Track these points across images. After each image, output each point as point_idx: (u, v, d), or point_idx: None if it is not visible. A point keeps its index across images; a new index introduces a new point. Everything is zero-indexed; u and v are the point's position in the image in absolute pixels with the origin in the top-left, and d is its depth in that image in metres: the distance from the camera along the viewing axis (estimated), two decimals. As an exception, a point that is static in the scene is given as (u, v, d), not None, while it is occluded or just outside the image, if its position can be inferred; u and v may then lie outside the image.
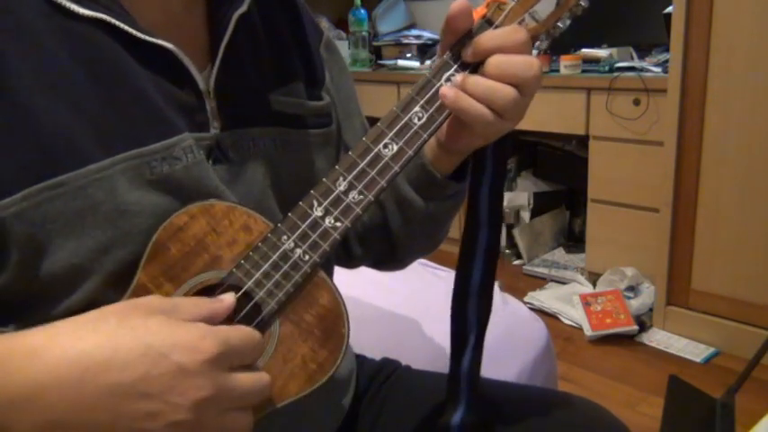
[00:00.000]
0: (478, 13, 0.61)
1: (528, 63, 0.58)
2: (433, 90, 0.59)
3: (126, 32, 0.57)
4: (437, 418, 0.78)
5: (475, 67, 0.60)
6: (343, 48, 3.20)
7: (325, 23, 3.29)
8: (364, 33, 3.14)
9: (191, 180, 0.58)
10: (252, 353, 0.53)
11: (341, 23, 3.40)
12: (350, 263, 0.85)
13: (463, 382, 0.73)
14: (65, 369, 0.45)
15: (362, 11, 3.13)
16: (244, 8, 0.65)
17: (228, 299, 0.55)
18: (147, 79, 0.58)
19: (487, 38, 0.58)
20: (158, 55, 0.59)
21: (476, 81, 0.58)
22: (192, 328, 0.49)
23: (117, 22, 0.56)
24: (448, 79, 0.59)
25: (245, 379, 0.50)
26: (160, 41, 0.58)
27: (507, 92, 0.58)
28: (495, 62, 0.58)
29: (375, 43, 3.24)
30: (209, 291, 0.58)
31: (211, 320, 0.52)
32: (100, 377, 0.45)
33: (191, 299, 0.55)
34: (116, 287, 0.56)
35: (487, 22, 0.60)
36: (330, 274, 0.77)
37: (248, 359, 0.52)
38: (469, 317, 0.72)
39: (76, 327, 0.48)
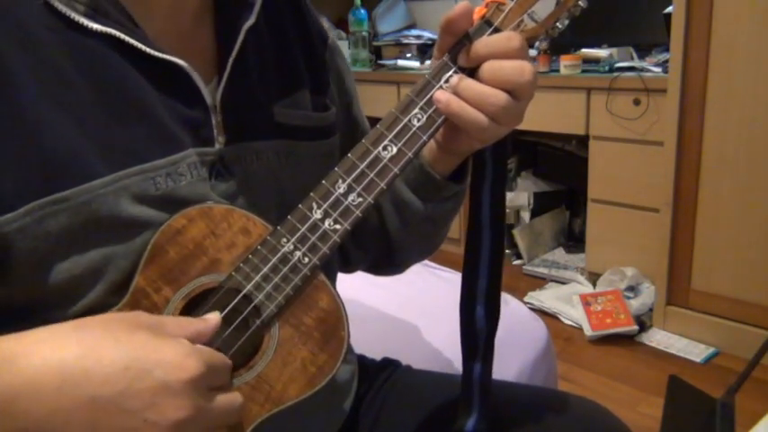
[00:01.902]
0: (478, 13, 0.60)
1: (521, 68, 0.58)
2: (432, 92, 0.59)
3: (135, 48, 0.56)
4: (438, 418, 0.78)
5: (474, 69, 0.59)
6: (344, 48, 3.20)
7: (325, 23, 3.28)
8: (364, 33, 3.14)
9: (194, 195, 0.58)
10: (226, 376, 0.53)
11: (341, 23, 3.39)
12: (347, 267, 0.84)
13: (476, 388, 0.73)
14: (43, 377, 0.44)
15: (362, 11, 3.13)
16: (252, 20, 0.64)
17: (213, 318, 0.55)
18: (154, 95, 0.58)
19: (482, 44, 0.58)
20: (167, 70, 0.58)
21: (468, 85, 0.58)
22: (177, 346, 0.48)
23: (127, 38, 0.56)
24: (447, 81, 0.59)
25: (222, 400, 0.51)
26: (170, 57, 0.58)
27: (500, 97, 0.58)
28: (488, 68, 0.58)
29: (375, 43, 3.24)
30: (208, 294, 0.57)
31: (196, 341, 0.52)
32: (79, 388, 0.45)
33: (176, 318, 0.55)
34: (119, 293, 0.56)
35: (487, 23, 0.60)
36: (333, 279, 0.77)
37: (223, 381, 0.52)
38: (478, 322, 0.72)
39: (59, 335, 0.47)
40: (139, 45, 0.56)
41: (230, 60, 0.62)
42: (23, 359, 0.45)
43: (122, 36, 0.56)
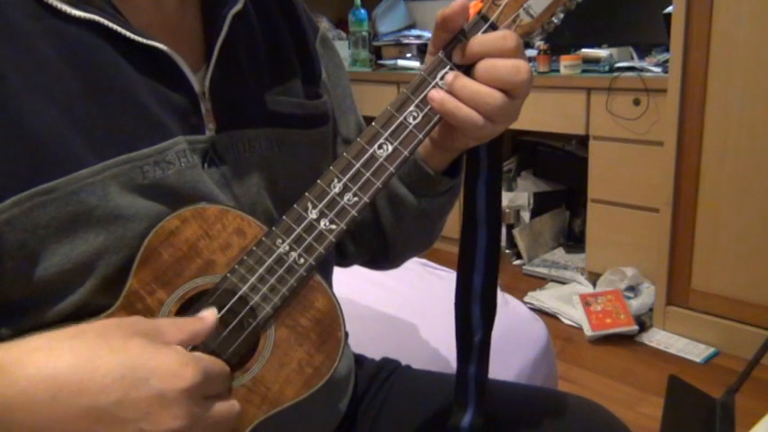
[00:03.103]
0: (474, 8, 0.59)
1: (516, 67, 0.57)
2: (428, 89, 0.58)
3: (119, 34, 0.56)
4: (437, 418, 0.78)
5: (469, 66, 0.58)
6: (344, 48, 3.19)
7: (325, 23, 3.29)
8: (364, 33, 3.13)
9: (184, 184, 0.58)
10: (224, 383, 0.53)
11: (341, 23, 3.39)
12: (343, 261, 0.84)
13: (471, 385, 0.73)
14: (37, 387, 0.44)
15: (362, 11, 3.12)
16: (239, 6, 0.64)
17: (210, 317, 0.54)
18: (140, 82, 0.57)
19: (477, 42, 0.58)
20: (152, 57, 0.58)
21: (463, 84, 0.57)
22: (173, 354, 0.48)
23: (110, 24, 0.55)
24: (442, 78, 0.58)
25: (218, 408, 0.50)
26: (154, 43, 0.57)
27: (495, 96, 0.57)
28: (483, 66, 0.57)
29: (375, 43, 3.23)
30: (203, 296, 0.57)
31: (194, 341, 0.52)
32: (74, 398, 0.44)
33: (172, 320, 0.54)
34: (108, 291, 0.55)
35: (483, 18, 0.59)
36: (329, 277, 0.76)
37: (220, 389, 0.52)
38: (474, 319, 0.71)
39: (53, 343, 0.46)
40: (122, 30, 0.56)
41: (217, 46, 0.62)
42: (17, 369, 0.44)
43: (105, 22, 0.55)
